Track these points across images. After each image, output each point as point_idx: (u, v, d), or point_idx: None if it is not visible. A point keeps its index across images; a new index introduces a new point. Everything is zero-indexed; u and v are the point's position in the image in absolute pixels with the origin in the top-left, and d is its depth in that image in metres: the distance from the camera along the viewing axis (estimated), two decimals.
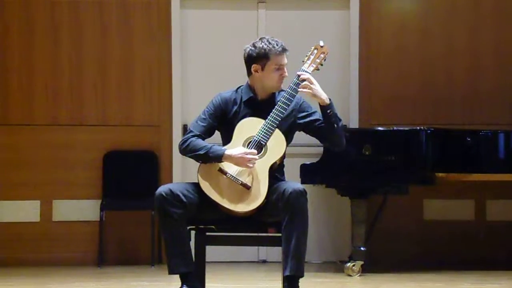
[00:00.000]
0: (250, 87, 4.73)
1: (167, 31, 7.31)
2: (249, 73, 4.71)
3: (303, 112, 4.70)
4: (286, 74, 4.68)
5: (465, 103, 7.34)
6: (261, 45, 4.64)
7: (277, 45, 4.63)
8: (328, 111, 4.59)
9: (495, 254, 7.16)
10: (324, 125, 4.63)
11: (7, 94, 7.29)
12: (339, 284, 6.18)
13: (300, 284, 4.48)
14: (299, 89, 4.58)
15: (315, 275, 6.51)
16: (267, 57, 4.62)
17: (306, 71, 4.66)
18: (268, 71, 4.64)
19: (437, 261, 7.14)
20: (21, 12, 7.29)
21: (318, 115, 4.67)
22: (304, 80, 4.58)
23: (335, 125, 4.61)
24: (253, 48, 4.65)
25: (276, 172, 4.67)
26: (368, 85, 7.33)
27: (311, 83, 4.58)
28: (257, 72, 4.66)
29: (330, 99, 4.59)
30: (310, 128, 4.70)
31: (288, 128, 4.68)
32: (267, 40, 4.65)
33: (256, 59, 4.64)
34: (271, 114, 4.58)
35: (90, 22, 7.31)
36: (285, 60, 4.67)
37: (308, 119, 4.70)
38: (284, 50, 4.65)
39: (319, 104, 4.60)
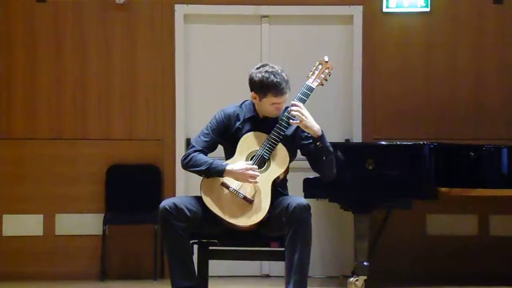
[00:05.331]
0: (253, 105, 4.75)
1: (170, 45, 7.33)
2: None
3: (304, 132, 4.70)
4: (283, 107, 4.67)
5: (468, 118, 7.34)
6: (263, 77, 4.61)
7: (278, 84, 4.59)
8: (318, 143, 4.60)
9: (499, 269, 7.14)
10: (313, 154, 4.64)
11: (11, 108, 7.30)
12: None
13: None
14: (290, 121, 4.58)
15: None
16: (264, 93, 4.62)
17: (311, 86, 4.67)
18: (264, 103, 4.66)
19: (440, 276, 7.12)
20: (25, 27, 7.31)
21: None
22: (294, 116, 4.58)
23: (323, 158, 4.61)
24: (256, 76, 4.63)
25: (279, 186, 4.68)
26: (372, 99, 7.34)
27: (303, 115, 4.57)
28: (255, 99, 4.68)
29: (322, 131, 4.60)
30: (302, 150, 4.72)
31: (292, 144, 4.69)
32: (271, 74, 4.60)
33: (255, 88, 4.65)
34: (274, 129, 4.60)
35: (93, 36, 7.33)
36: (283, 99, 4.64)
37: (304, 141, 4.70)
38: (282, 92, 4.61)
39: (311, 135, 4.61)
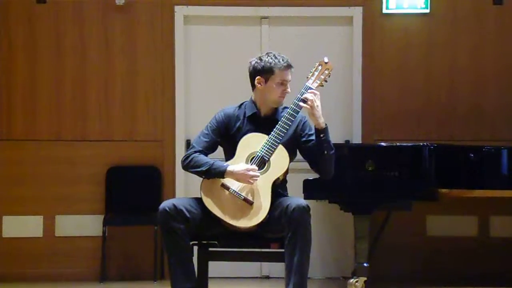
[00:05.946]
0: (254, 103, 4.75)
1: (170, 47, 7.33)
2: (253, 86, 4.73)
3: (304, 131, 4.71)
4: (289, 90, 4.70)
5: (468, 119, 7.34)
6: (267, 59, 4.67)
7: (282, 60, 4.67)
8: (321, 135, 4.59)
9: (498, 271, 7.14)
10: (315, 149, 4.63)
11: (11, 109, 7.30)
12: None
13: None
14: (300, 103, 4.59)
15: None
16: (271, 71, 4.65)
17: (310, 87, 4.66)
18: (271, 85, 4.66)
19: (440, 277, 7.12)
20: (25, 27, 7.31)
21: (313, 138, 4.67)
22: (307, 99, 4.58)
23: (325, 152, 4.60)
24: (258, 61, 4.69)
25: (279, 187, 4.67)
26: (372, 100, 7.33)
27: (315, 102, 4.58)
28: (260, 84, 4.68)
29: (326, 125, 4.60)
30: (302, 148, 4.71)
31: (292, 144, 4.69)
32: (274, 55, 4.68)
33: (260, 72, 4.66)
34: (274, 129, 4.59)
35: (93, 37, 7.33)
36: (289, 77, 4.69)
37: (304, 138, 4.70)
38: (289, 66, 4.68)
39: (314, 126, 4.61)
